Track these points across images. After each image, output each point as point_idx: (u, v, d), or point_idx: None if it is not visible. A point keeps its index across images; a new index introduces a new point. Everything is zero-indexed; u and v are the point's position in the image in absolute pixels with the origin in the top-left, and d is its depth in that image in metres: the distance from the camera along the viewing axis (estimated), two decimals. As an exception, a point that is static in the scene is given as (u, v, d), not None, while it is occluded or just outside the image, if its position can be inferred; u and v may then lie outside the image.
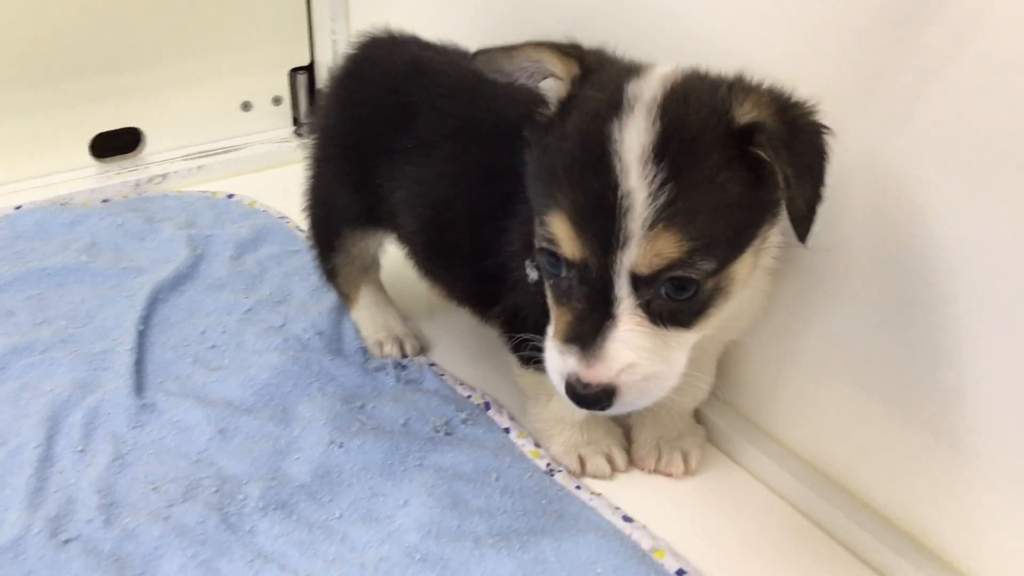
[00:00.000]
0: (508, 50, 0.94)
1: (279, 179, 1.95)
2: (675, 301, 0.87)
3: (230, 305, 1.49)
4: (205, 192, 1.87)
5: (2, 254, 1.59)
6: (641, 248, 0.83)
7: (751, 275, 0.96)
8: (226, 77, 1.98)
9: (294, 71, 2.07)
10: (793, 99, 0.89)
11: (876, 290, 1.05)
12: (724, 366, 1.27)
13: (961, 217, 0.93)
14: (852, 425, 1.14)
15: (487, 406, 1.32)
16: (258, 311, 1.48)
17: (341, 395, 1.31)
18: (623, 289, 0.86)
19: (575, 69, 0.94)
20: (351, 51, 1.37)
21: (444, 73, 1.24)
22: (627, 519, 1.14)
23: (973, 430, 0.99)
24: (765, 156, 0.84)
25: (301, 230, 1.72)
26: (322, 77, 2.06)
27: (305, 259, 1.61)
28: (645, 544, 1.11)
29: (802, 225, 0.84)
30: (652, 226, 0.82)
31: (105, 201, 1.80)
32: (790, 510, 1.19)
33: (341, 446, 1.21)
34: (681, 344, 0.90)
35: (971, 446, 1.00)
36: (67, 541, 1.07)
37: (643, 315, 0.87)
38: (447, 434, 1.26)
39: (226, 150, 1.99)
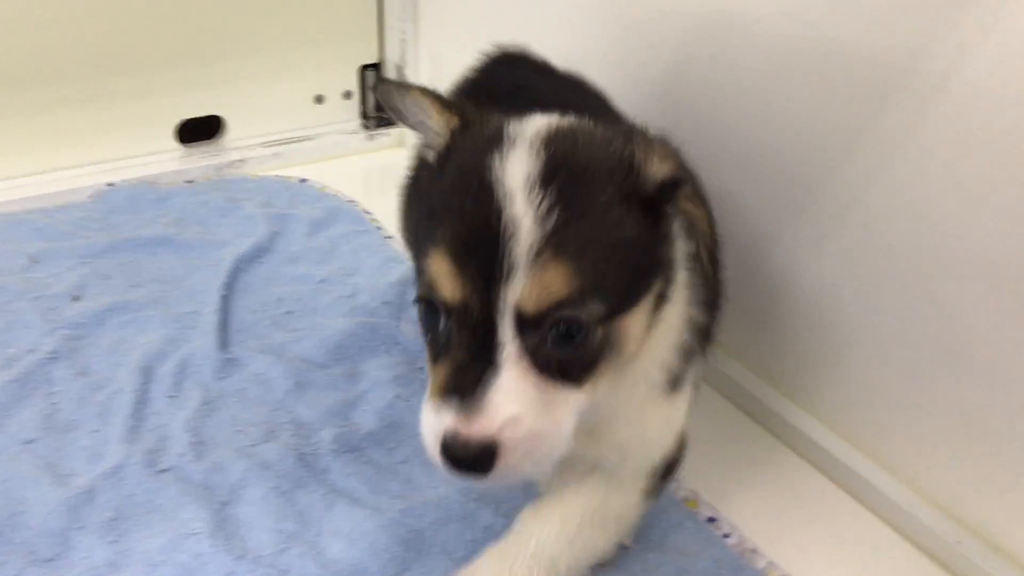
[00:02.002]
0: (401, 88, 0.91)
1: (348, 167, 2.10)
2: (562, 350, 0.78)
3: (304, 276, 1.62)
4: (280, 176, 2.00)
5: (97, 225, 1.74)
6: (528, 280, 0.75)
7: (644, 336, 0.87)
8: (301, 71, 2.12)
9: (364, 68, 2.20)
10: (674, 145, 0.87)
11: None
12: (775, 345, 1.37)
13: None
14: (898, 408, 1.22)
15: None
16: (330, 282, 1.61)
17: (404, 358, 1.43)
18: (507, 333, 0.77)
19: (454, 122, 0.88)
20: (471, 69, 1.38)
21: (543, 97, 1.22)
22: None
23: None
24: (688, 209, 0.83)
25: (368, 212, 1.86)
26: (389, 74, 2.20)
27: (372, 238, 1.75)
28: (679, 494, 1.22)
29: (714, 261, 0.87)
30: (539, 254, 0.75)
31: (189, 182, 1.94)
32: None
33: (406, 400, 1.33)
34: (569, 404, 0.81)
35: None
36: (162, 471, 1.20)
37: (529, 363, 0.78)
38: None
39: (300, 139, 2.12)
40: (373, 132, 2.21)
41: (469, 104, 0.92)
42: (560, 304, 0.76)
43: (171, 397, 1.32)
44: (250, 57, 2.04)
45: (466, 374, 0.78)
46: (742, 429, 1.38)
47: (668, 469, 1.05)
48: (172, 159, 1.99)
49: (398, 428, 1.29)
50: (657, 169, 0.81)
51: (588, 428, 0.88)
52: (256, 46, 2.04)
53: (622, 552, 1.12)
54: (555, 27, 1.70)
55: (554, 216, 0.75)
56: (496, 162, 0.78)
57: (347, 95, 2.20)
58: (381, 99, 0.94)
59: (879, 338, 1.20)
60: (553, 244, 0.75)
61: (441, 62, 2.12)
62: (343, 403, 1.33)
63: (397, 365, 1.41)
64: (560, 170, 0.78)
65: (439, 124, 0.89)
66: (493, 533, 1.09)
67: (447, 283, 0.78)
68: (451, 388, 0.78)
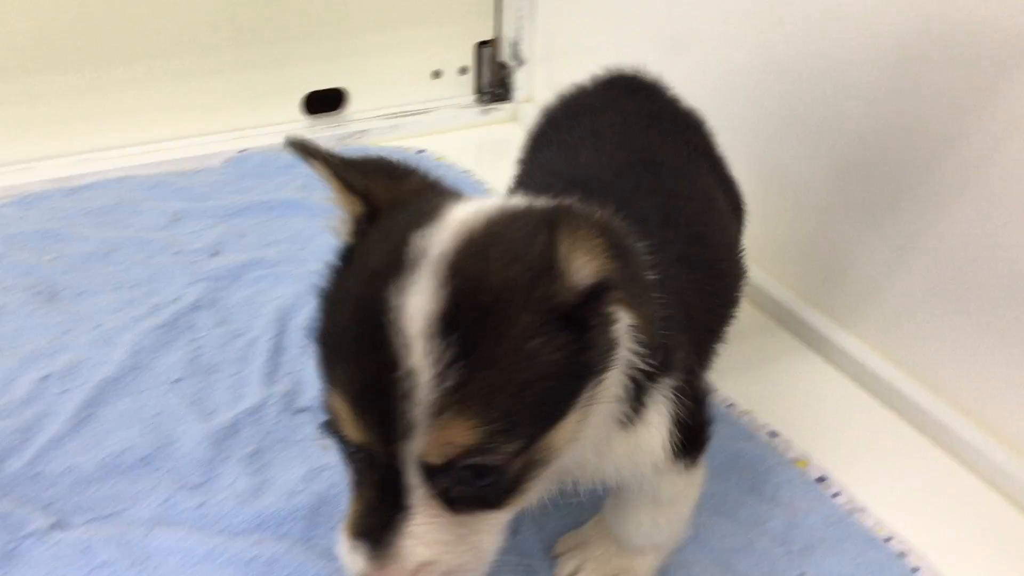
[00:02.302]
0: (306, 153, 0.83)
1: (462, 140, 2.18)
2: (476, 488, 0.73)
3: (425, 240, 1.70)
4: (399, 147, 2.09)
5: (232, 188, 1.85)
6: (429, 436, 0.69)
7: (582, 429, 0.79)
8: (420, 47, 2.20)
9: (480, 44, 2.27)
10: (606, 219, 0.75)
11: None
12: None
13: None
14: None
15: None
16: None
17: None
18: (414, 478, 0.72)
19: (359, 208, 0.79)
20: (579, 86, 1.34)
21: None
22: (772, 433, 1.30)
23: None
24: (619, 310, 0.75)
25: (482, 182, 1.93)
26: (505, 52, 2.26)
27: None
28: (789, 454, 1.26)
29: (657, 345, 0.77)
30: (440, 413, 0.68)
31: (314, 150, 2.05)
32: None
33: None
34: (491, 527, 0.77)
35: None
36: (297, 412, 1.29)
37: (440, 504, 0.73)
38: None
39: (417, 112, 2.20)
40: (487, 107, 2.28)
41: (380, 181, 0.81)
42: (468, 454, 0.70)
43: (302, 348, 1.42)
44: (373, 33, 2.13)
45: (375, 515, 0.73)
46: (857, 401, 1.42)
47: (690, 441, 0.96)
48: (299, 128, 2.10)
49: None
50: (581, 272, 0.70)
51: (561, 470, 0.86)
52: (379, 23, 2.13)
53: (735, 502, 1.17)
54: (660, 19, 1.74)
55: (457, 368, 0.67)
56: (393, 296, 0.68)
57: (463, 71, 2.28)
58: (296, 155, 0.84)
59: None
60: (456, 400, 0.67)
61: (556, 40, 2.18)
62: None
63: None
64: (465, 306, 0.68)
65: (343, 207, 0.81)
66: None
67: (348, 426, 0.72)
68: (362, 529, 0.74)
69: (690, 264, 1.03)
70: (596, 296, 0.71)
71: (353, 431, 0.72)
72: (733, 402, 1.37)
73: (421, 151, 2.07)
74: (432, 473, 0.71)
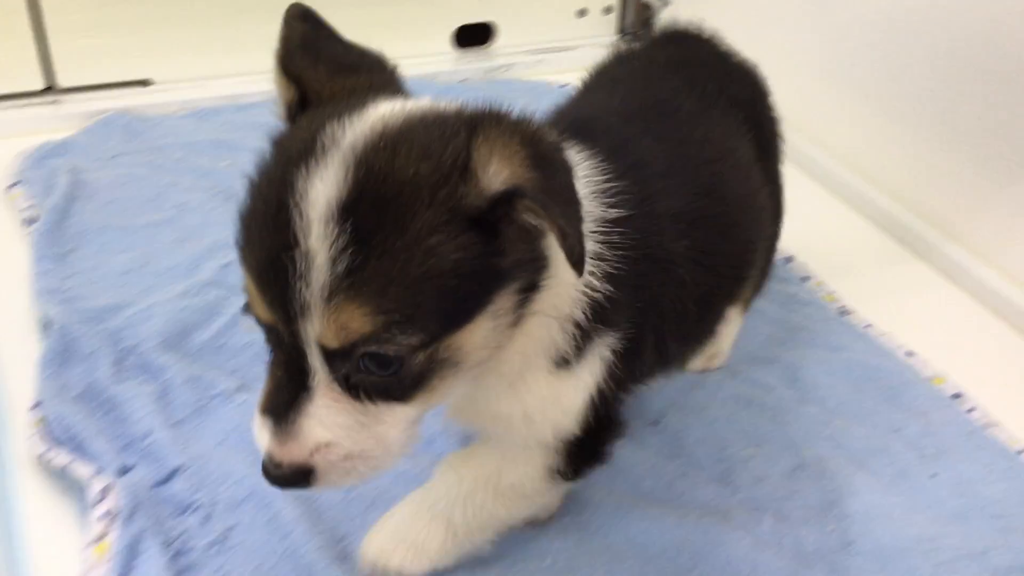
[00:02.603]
0: (286, 25, 0.85)
1: (605, 77, 2.23)
2: (378, 377, 0.74)
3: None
4: (543, 81, 2.16)
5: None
6: (323, 319, 0.70)
7: (502, 338, 0.80)
8: (568, -14, 2.27)
9: (625, -15, 2.32)
10: (534, 129, 0.74)
11: None
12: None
13: None
14: None
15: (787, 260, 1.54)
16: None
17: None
18: (316, 360, 0.74)
19: (291, 94, 0.81)
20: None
21: None
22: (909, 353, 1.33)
23: None
24: (529, 219, 0.72)
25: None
26: (650, -8, 2.31)
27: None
28: (926, 372, 1.29)
29: (580, 264, 0.71)
30: (332, 296, 0.70)
31: (463, 81, 2.13)
32: None
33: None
34: (396, 420, 0.78)
35: None
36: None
37: (341, 389, 0.75)
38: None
39: (561, 49, 2.27)
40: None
41: (321, 71, 0.82)
42: (363, 341, 0.71)
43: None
44: (522, -30, 2.21)
45: (282, 394, 0.76)
46: (993, 328, 1.45)
47: (586, 449, 0.96)
48: (448, 60, 2.19)
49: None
50: (495, 177, 0.71)
51: (470, 398, 0.89)
52: (529, -39, 2.20)
53: (871, 410, 1.21)
54: None
55: (349, 253, 0.69)
56: (300, 181, 0.71)
57: (607, 10, 2.33)
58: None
59: None
60: (347, 285, 0.69)
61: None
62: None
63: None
64: (367, 196, 0.70)
65: (281, 90, 0.81)
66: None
67: (256, 304, 0.75)
68: (268, 408, 0.77)
69: (691, 219, 0.97)
70: (507, 202, 0.71)
71: (260, 310, 0.74)
72: (871, 323, 1.40)
73: (564, 85, 2.13)
74: (332, 357, 0.73)
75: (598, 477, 1.11)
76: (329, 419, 0.75)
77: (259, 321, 0.76)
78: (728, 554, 1.04)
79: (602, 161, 0.88)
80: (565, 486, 1.00)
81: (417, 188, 0.70)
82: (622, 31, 2.36)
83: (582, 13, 2.31)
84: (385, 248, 0.69)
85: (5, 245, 1.54)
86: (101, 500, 1.03)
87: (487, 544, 1.01)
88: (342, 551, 1.03)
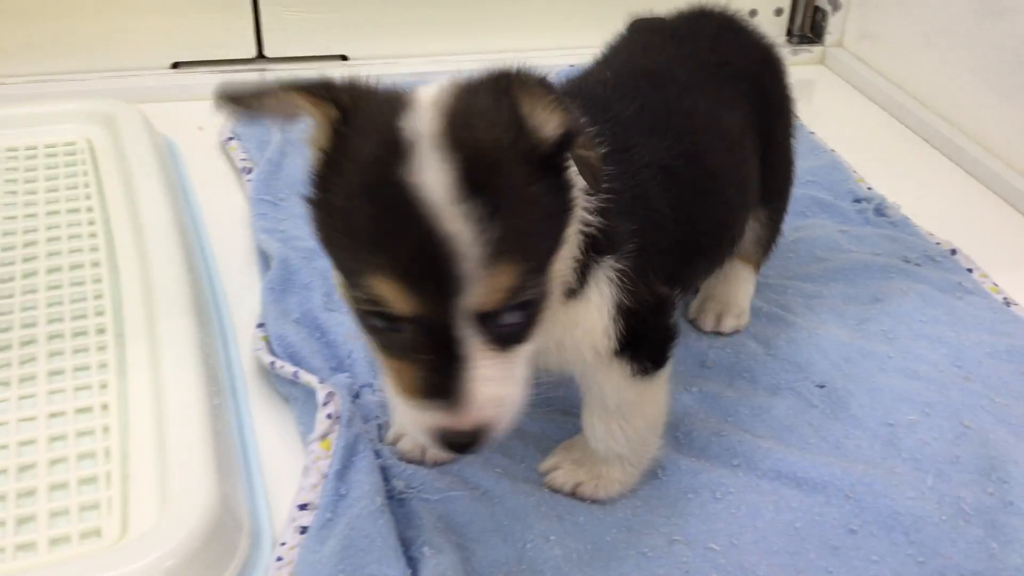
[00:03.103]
0: (257, 95, 0.82)
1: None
2: (515, 324, 0.82)
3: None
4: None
5: (564, 95, 2.08)
6: (482, 288, 0.77)
7: (560, 268, 0.91)
8: (741, -14, 2.35)
9: (795, -12, 2.39)
10: (542, 79, 0.83)
11: None
12: None
13: None
14: None
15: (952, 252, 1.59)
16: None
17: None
18: (468, 329, 0.79)
19: (332, 112, 0.82)
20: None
21: None
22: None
23: None
24: (582, 154, 0.80)
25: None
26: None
27: (797, 131, 1.95)
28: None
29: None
30: (487, 264, 0.76)
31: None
32: None
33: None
34: (522, 358, 0.86)
35: None
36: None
37: (489, 346, 0.81)
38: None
39: (730, 47, 2.35)
40: (796, 48, 2.39)
41: (341, 86, 0.85)
42: (512, 294, 0.79)
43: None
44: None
45: (439, 373, 0.80)
46: None
47: (644, 347, 1.04)
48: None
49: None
50: (547, 125, 0.79)
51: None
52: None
53: (935, 326, 1.34)
54: None
55: (489, 223, 0.75)
56: (410, 175, 0.75)
57: (778, 12, 2.40)
58: (228, 110, 0.83)
59: None
60: (498, 250, 0.75)
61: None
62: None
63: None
64: (474, 171, 0.76)
65: (317, 116, 0.83)
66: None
67: (398, 302, 0.78)
68: (431, 390, 0.81)
69: (669, 178, 1.05)
70: (564, 143, 0.80)
71: (405, 304, 0.77)
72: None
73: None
74: (483, 320, 0.79)
75: (766, 429, 1.21)
76: (489, 376, 0.81)
77: (394, 319, 0.80)
78: (891, 505, 1.10)
79: (583, 115, 0.91)
80: (663, 375, 1.08)
81: (503, 151, 0.78)
82: (789, 33, 2.42)
83: (753, 13, 2.38)
84: (508, 208, 0.76)
85: (228, 188, 1.73)
86: (326, 403, 1.17)
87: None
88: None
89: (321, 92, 0.82)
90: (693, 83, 1.18)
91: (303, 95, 0.81)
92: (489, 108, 0.80)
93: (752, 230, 1.33)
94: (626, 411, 1.07)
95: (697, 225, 1.12)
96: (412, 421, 0.85)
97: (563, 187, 0.85)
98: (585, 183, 0.83)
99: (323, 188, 0.82)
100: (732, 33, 1.31)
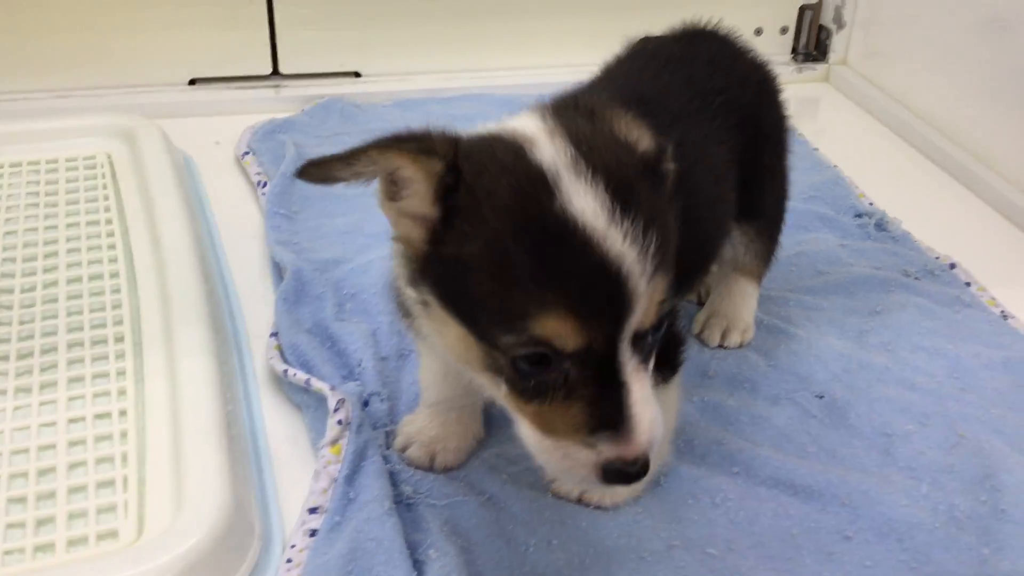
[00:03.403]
0: (347, 159, 0.81)
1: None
2: (657, 337, 0.84)
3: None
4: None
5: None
6: (647, 303, 0.79)
7: None
8: (747, 5, 2.39)
9: (803, 8, 2.42)
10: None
11: None
12: None
13: None
14: None
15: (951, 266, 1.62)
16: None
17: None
18: (626, 353, 0.80)
19: (438, 167, 0.81)
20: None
21: None
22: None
23: None
24: (668, 168, 0.85)
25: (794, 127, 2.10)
26: (828, 16, 2.40)
27: (800, 147, 1.99)
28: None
29: None
30: (651, 279, 0.78)
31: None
32: None
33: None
34: (649, 371, 0.86)
35: None
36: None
37: (640, 364, 0.82)
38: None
39: (736, 64, 2.39)
40: (801, 66, 2.43)
41: (435, 137, 0.83)
42: (663, 307, 0.81)
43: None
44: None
45: (603, 405, 0.80)
46: None
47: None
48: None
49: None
50: (643, 141, 0.83)
51: None
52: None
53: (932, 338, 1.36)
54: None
55: (646, 238, 0.77)
56: (566, 210, 0.76)
57: (783, 31, 2.44)
58: (314, 180, 0.85)
59: None
60: (659, 263, 0.78)
61: (878, 7, 2.29)
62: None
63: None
64: (619, 191, 0.78)
65: (417, 173, 0.81)
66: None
67: (571, 336, 0.77)
68: (598, 423, 0.80)
69: None
70: (660, 156, 0.84)
71: (577, 337, 0.77)
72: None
73: (738, 97, 2.25)
74: (639, 340, 0.80)
75: (765, 438, 1.23)
76: (646, 398, 0.81)
77: (555, 358, 0.79)
78: (886, 513, 1.13)
79: None
80: (676, 381, 1.11)
81: (629, 167, 0.81)
82: (795, 51, 2.46)
83: (758, 32, 2.42)
84: (651, 222, 0.78)
85: (243, 201, 1.77)
86: (337, 410, 1.21)
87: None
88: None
89: (420, 148, 0.81)
90: (686, 112, 1.19)
91: (404, 154, 0.80)
92: (596, 131, 0.83)
93: (749, 244, 1.37)
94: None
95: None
96: (574, 463, 0.82)
97: (668, 196, 0.87)
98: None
99: (450, 242, 0.81)
100: (728, 57, 1.33)
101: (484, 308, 0.81)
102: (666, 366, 1.06)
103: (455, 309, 0.84)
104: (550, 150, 0.80)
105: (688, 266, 1.14)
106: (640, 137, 0.83)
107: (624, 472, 0.81)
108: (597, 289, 0.76)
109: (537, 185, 0.78)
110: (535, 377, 0.81)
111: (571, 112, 0.86)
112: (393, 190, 0.84)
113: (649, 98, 1.18)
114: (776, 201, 1.39)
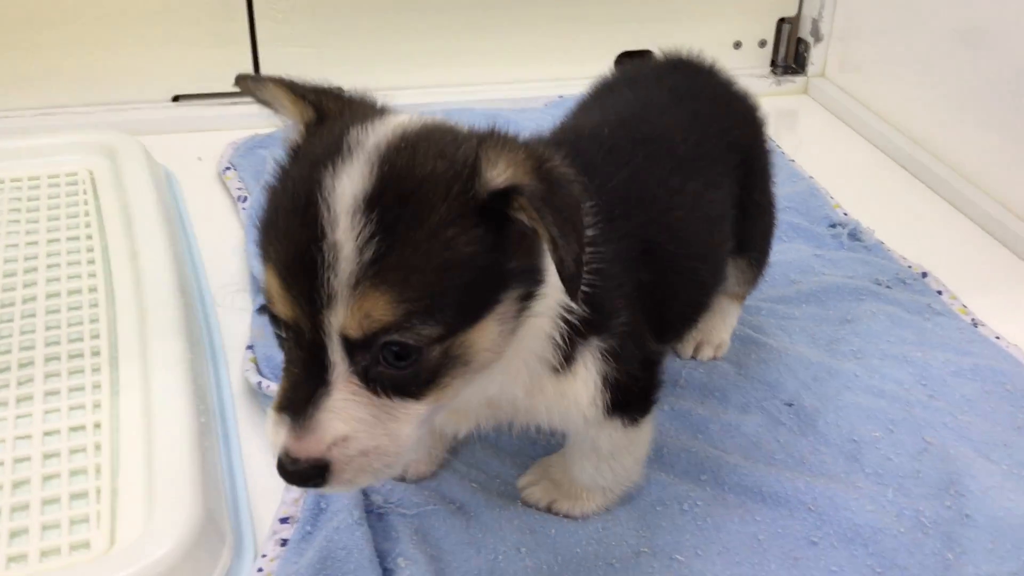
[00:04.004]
0: (257, 80, 0.87)
1: (755, 105, 2.36)
2: (396, 370, 0.78)
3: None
4: (697, 106, 2.31)
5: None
6: (348, 308, 0.74)
7: (504, 343, 0.84)
8: (725, 19, 2.42)
9: (781, 20, 2.44)
10: (545, 152, 0.81)
11: None
12: None
13: None
14: None
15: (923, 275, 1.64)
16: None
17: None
18: (336, 353, 0.76)
19: (310, 114, 0.85)
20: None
21: None
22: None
23: None
24: (524, 220, 0.77)
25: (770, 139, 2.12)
26: (804, 28, 2.42)
27: (776, 159, 2.00)
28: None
29: (572, 283, 0.76)
30: (358, 284, 0.73)
31: (621, 102, 2.30)
32: None
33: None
34: (409, 417, 0.80)
35: None
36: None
37: (360, 383, 0.78)
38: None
39: (716, 77, 2.41)
40: (780, 78, 2.45)
41: (329, 93, 0.87)
42: (385, 330, 0.75)
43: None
44: (684, 2, 2.36)
45: (299, 391, 0.78)
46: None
47: (633, 402, 1.04)
48: (609, 82, 2.36)
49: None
50: (497, 176, 0.77)
51: (489, 401, 0.97)
52: (690, -7, 2.37)
53: (994, 408, 1.33)
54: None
55: (375, 243, 0.73)
56: (327, 178, 0.75)
57: (762, 44, 2.47)
58: (244, 90, 0.89)
59: None
60: (372, 273, 0.73)
61: (854, 20, 2.32)
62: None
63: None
64: (390, 190, 0.75)
65: (294, 114, 0.86)
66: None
67: (279, 302, 0.77)
68: (285, 404, 0.78)
69: (649, 250, 1.04)
70: (503, 200, 0.76)
71: (282, 306, 0.77)
72: (1001, 335, 1.49)
73: (718, 110, 2.28)
74: (353, 348, 0.76)
75: (734, 445, 1.25)
76: (347, 412, 0.77)
77: (278, 320, 0.79)
78: (852, 518, 1.14)
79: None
80: (650, 417, 1.09)
81: (434, 183, 0.76)
82: (773, 64, 2.48)
83: (737, 45, 2.45)
84: (407, 239, 0.74)
85: (224, 216, 1.79)
86: (308, 420, 1.22)
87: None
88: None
89: (304, 93, 0.85)
90: (690, 158, 1.15)
91: (287, 93, 0.85)
92: (448, 144, 0.80)
93: (739, 276, 1.37)
94: (617, 454, 1.10)
95: (673, 303, 1.12)
96: (269, 439, 0.81)
97: (501, 251, 0.79)
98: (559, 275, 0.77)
99: (274, 176, 0.84)
100: (725, 94, 1.32)
101: (257, 247, 0.82)
102: (635, 407, 1.06)
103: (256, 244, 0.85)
104: (371, 135, 0.79)
105: (681, 315, 1.16)
106: (499, 173, 0.77)
107: (283, 465, 0.78)
108: (305, 266, 0.74)
109: (327, 154, 0.77)
110: (277, 336, 0.83)
111: (456, 127, 0.84)
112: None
113: (654, 138, 1.14)
114: (764, 233, 1.39)
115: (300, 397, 0.77)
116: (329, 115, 0.85)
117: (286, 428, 0.78)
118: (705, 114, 1.23)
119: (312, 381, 0.77)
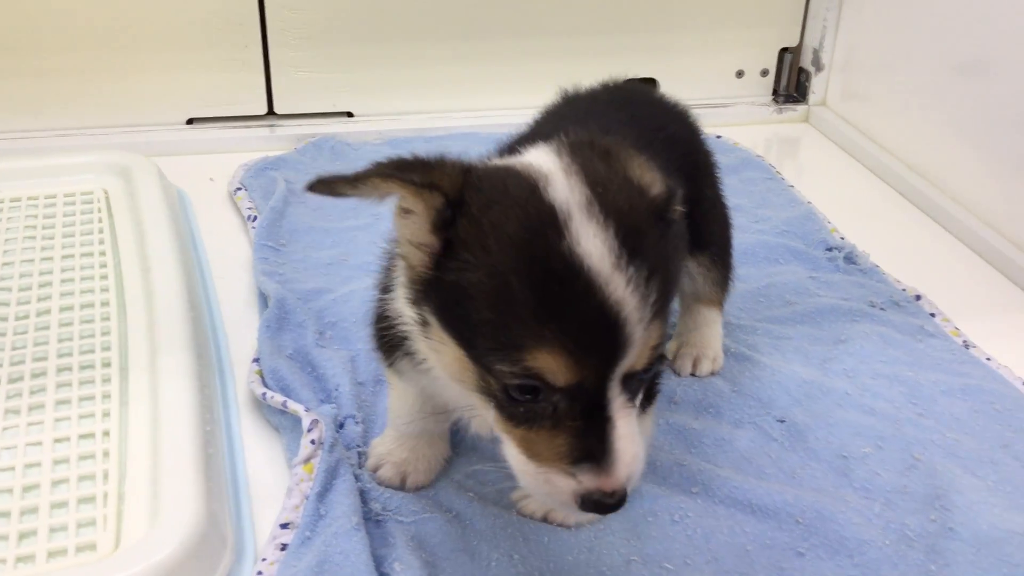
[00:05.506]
0: (352, 181, 0.83)
1: (756, 133, 2.42)
2: (644, 377, 0.85)
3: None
4: (700, 132, 2.35)
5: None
6: (640, 348, 0.80)
7: None
8: (729, 49, 2.47)
9: (783, 50, 2.49)
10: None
11: None
12: None
13: None
14: None
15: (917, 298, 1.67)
16: (743, 207, 1.93)
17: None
18: (615, 390, 0.82)
19: (438, 201, 0.83)
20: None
21: None
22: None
23: None
24: (676, 212, 0.87)
25: (773, 165, 2.16)
26: (806, 58, 2.47)
27: (778, 184, 2.05)
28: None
29: None
30: (648, 325, 0.80)
31: (625, 128, 2.35)
32: None
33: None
34: (636, 407, 0.87)
35: None
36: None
37: (627, 402, 0.84)
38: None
39: (718, 105, 2.47)
40: (782, 107, 2.50)
41: (439, 168, 0.84)
42: (656, 350, 0.83)
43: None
44: (685, 31, 2.42)
45: (588, 437, 0.82)
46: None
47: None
48: (613, 110, 2.41)
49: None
50: (655, 185, 0.85)
51: None
52: (691, 21, 2.41)
53: (983, 427, 1.35)
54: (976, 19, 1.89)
55: (644, 283, 0.78)
56: (573, 244, 0.78)
57: (764, 73, 2.51)
58: (322, 194, 0.86)
59: None
60: (654, 310, 0.79)
61: (855, 51, 2.36)
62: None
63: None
64: (628, 235, 0.79)
65: (417, 205, 0.83)
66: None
67: (562, 373, 0.80)
68: (581, 454, 0.83)
69: None
70: (672, 199, 0.86)
71: (568, 374, 0.79)
72: (992, 356, 1.52)
73: (719, 136, 2.32)
74: (629, 379, 0.82)
75: (726, 459, 1.28)
76: (631, 434, 0.83)
77: (546, 390, 0.81)
78: (838, 530, 1.17)
79: None
80: (652, 410, 1.17)
81: (641, 212, 0.83)
82: (775, 92, 2.53)
83: (740, 74, 2.49)
84: (656, 269, 0.80)
85: (234, 235, 1.84)
86: (310, 430, 1.25)
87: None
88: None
89: (422, 181, 0.82)
90: (639, 148, 1.20)
91: (405, 186, 0.82)
92: (611, 173, 0.84)
93: (706, 275, 1.42)
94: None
95: None
96: (555, 488, 0.85)
97: (673, 241, 0.87)
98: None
99: (452, 269, 0.83)
100: (658, 98, 1.43)
101: (482, 335, 0.82)
102: (645, 398, 1.08)
103: (453, 331, 0.86)
104: (564, 189, 0.81)
105: None
106: (653, 181, 0.85)
107: (601, 503, 0.84)
108: (594, 332, 0.78)
109: (547, 223, 0.79)
110: (525, 405, 0.84)
111: (587, 151, 0.87)
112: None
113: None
114: (722, 228, 1.45)
115: (592, 443, 0.83)
116: (452, 191, 0.83)
117: (590, 473, 0.83)
118: (642, 115, 1.31)
119: (595, 423, 0.82)
